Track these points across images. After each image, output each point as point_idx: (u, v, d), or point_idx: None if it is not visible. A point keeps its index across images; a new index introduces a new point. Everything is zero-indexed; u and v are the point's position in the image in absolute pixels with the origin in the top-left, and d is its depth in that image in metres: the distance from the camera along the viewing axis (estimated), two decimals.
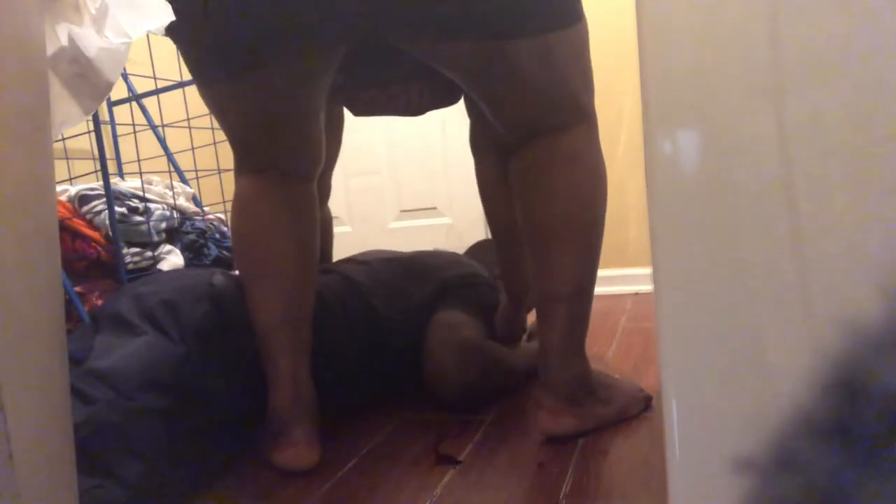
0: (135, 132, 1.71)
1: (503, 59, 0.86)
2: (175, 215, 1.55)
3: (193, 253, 1.56)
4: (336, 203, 2.53)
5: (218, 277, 1.07)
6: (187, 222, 1.59)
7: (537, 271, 0.95)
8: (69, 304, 1.23)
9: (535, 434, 0.94)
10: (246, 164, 0.99)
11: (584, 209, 0.93)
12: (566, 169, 0.93)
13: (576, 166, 0.94)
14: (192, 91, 1.79)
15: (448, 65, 0.90)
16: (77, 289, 1.29)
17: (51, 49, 0.74)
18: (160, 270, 1.42)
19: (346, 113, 1.28)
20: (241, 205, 0.98)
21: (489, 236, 2.19)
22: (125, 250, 1.39)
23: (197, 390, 0.92)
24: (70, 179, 1.48)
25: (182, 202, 1.61)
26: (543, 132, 0.93)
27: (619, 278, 2.01)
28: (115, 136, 1.87)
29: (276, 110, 0.92)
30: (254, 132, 0.95)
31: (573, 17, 0.89)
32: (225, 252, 1.62)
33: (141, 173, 1.57)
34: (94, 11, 0.77)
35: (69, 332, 0.94)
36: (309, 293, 1.00)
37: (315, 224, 1.02)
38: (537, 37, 0.85)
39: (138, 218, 1.45)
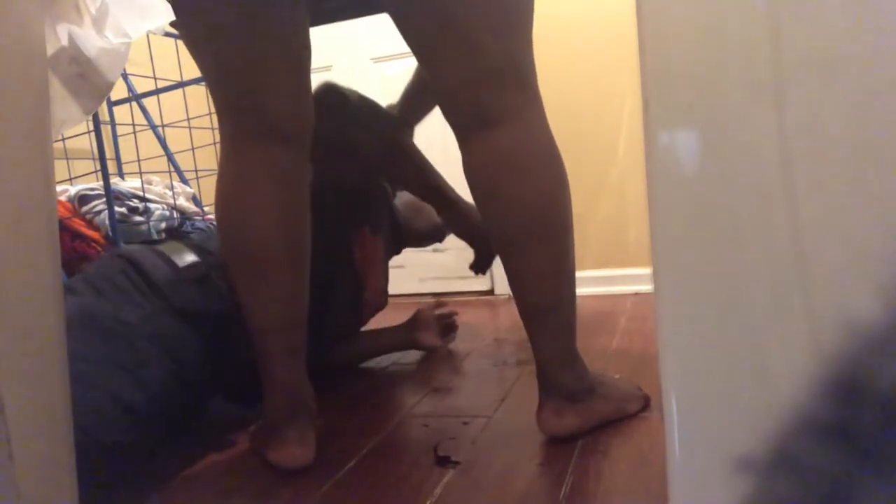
0: (135, 132, 1.71)
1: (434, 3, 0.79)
2: (175, 215, 1.55)
3: None
4: None
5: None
6: (187, 222, 1.59)
7: (513, 283, 0.91)
8: None
9: (535, 434, 0.94)
10: (228, 123, 0.90)
11: (551, 213, 0.87)
12: (522, 170, 0.85)
13: (532, 165, 0.85)
14: (192, 91, 1.80)
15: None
16: None
17: (51, 49, 0.74)
18: None
19: None
20: (225, 190, 0.91)
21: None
22: None
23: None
24: (70, 179, 1.48)
25: (182, 202, 1.61)
26: (489, 119, 0.84)
27: (619, 278, 2.01)
28: (115, 136, 1.87)
29: (256, 35, 0.84)
30: (234, 68, 0.86)
31: None
32: None
33: (141, 173, 1.57)
34: (94, 11, 0.77)
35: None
36: (303, 293, 0.95)
37: (306, 206, 0.95)
38: None
39: (138, 218, 1.45)
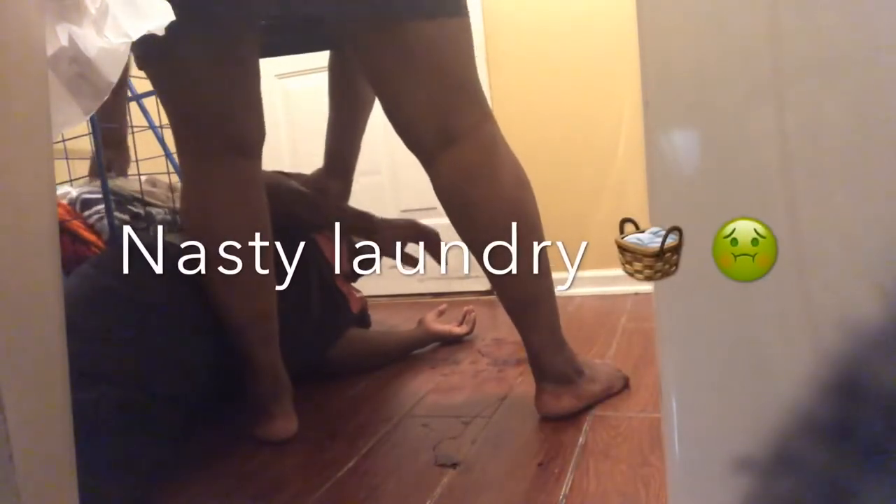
0: (133, 132, 1.71)
1: (394, 42, 0.89)
2: (176, 219, 1.55)
3: None
4: None
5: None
6: None
7: (494, 283, 1.01)
8: None
9: (535, 434, 0.94)
10: (191, 141, 1.01)
11: (519, 214, 0.94)
12: (489, 177, 0.93)
13: (496, 172, 0.93)
14: None
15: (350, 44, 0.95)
16: None
17: (51, 49, 0.74)
18: None
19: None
20: (195, 200, 1.02)
21: None
22: None
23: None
24: (70, 181, 1.48)
25: None
26: (454, 136, 0.91)
27: (619, 278, 2.01)
28: None
29: (217, 65, 0.96)
30: (198, 93, 0.97)
31: (458, 8, 0.92)
32: None
33: (139, 174, 1.57)
34: (94, 11, 0.77)
35: None
36: (273, 285, 1.05)
37: (265, 203, 1.05)
38: (426, 21, 0.88)
39: (140, 224, 1.44)
